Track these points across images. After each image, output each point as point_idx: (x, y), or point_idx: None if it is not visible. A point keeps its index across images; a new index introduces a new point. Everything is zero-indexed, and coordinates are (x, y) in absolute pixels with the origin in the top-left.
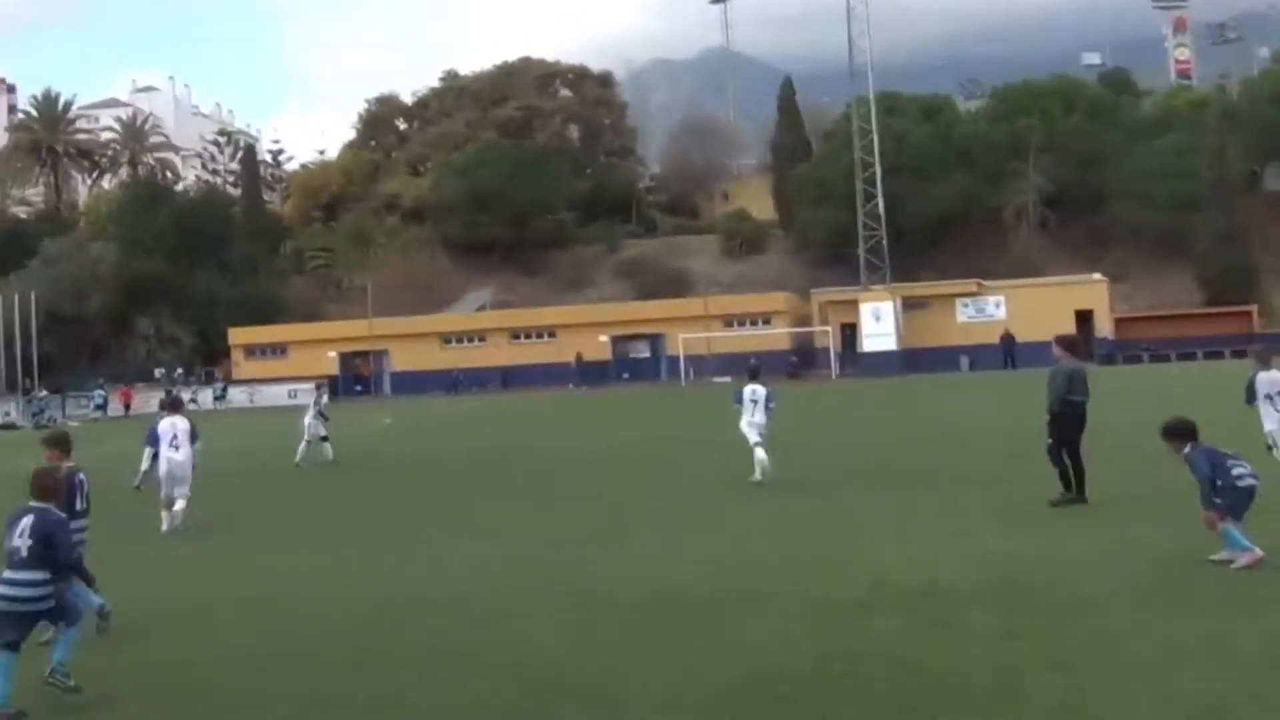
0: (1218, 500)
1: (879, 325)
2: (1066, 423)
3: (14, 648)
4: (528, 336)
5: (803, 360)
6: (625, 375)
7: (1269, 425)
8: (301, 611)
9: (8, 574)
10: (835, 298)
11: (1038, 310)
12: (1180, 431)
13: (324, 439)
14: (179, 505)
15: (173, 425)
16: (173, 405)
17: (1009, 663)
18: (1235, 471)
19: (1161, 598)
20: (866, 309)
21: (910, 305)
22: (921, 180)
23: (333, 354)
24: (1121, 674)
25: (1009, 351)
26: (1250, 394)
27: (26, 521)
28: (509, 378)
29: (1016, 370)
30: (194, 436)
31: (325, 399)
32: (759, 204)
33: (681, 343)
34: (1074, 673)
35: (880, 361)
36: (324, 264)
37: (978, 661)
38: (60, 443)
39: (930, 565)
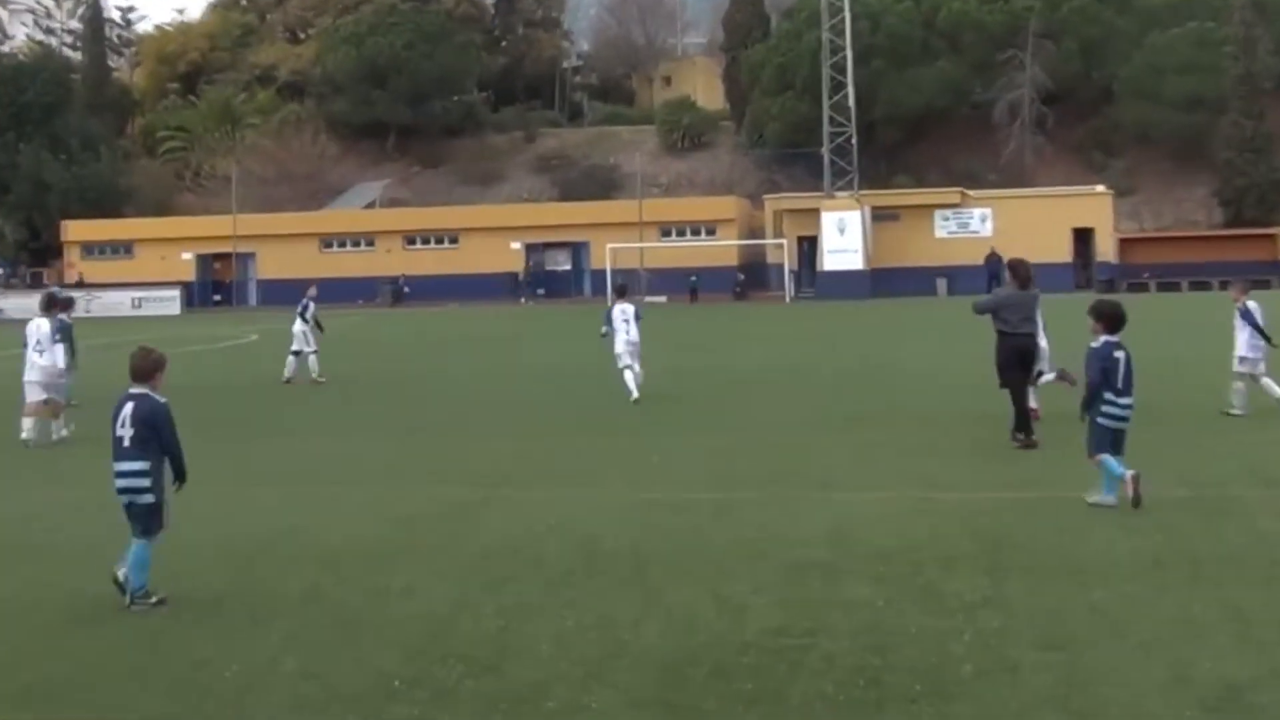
0: (1098, 421)
1: (843, 239)
2: (1009, 358)
3: (143, 535)
4: (426, 241)
5: (751, 279)
6: (539, 291)
7: (1247, 351)
8: (163, 555)
9: (114, 464)
10: (793, 205)
11: (1030, 226)
12: (1101, 313)
13: (312, 352)
14: (54, 422)
15: (37, 327)
16: (45, 305)
17: (995, 637)
18: (1108, 399)
19: (1168, 565)
20: (829, 219)
21: (881, 216)
22: (899, 68)
23: (188, 255)
24: (1125, 652)
25: (994, 274)
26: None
27: (128, 409)
28: (404, 289)
29: None
30: (61, 337)
31: (313, 307)
32: (706, 91)
33: (609, 254)
34: (1071, 649)
35: (843, 282)
36: (180, 146)
37: (958, 635)
38: None
39: (898, 520)
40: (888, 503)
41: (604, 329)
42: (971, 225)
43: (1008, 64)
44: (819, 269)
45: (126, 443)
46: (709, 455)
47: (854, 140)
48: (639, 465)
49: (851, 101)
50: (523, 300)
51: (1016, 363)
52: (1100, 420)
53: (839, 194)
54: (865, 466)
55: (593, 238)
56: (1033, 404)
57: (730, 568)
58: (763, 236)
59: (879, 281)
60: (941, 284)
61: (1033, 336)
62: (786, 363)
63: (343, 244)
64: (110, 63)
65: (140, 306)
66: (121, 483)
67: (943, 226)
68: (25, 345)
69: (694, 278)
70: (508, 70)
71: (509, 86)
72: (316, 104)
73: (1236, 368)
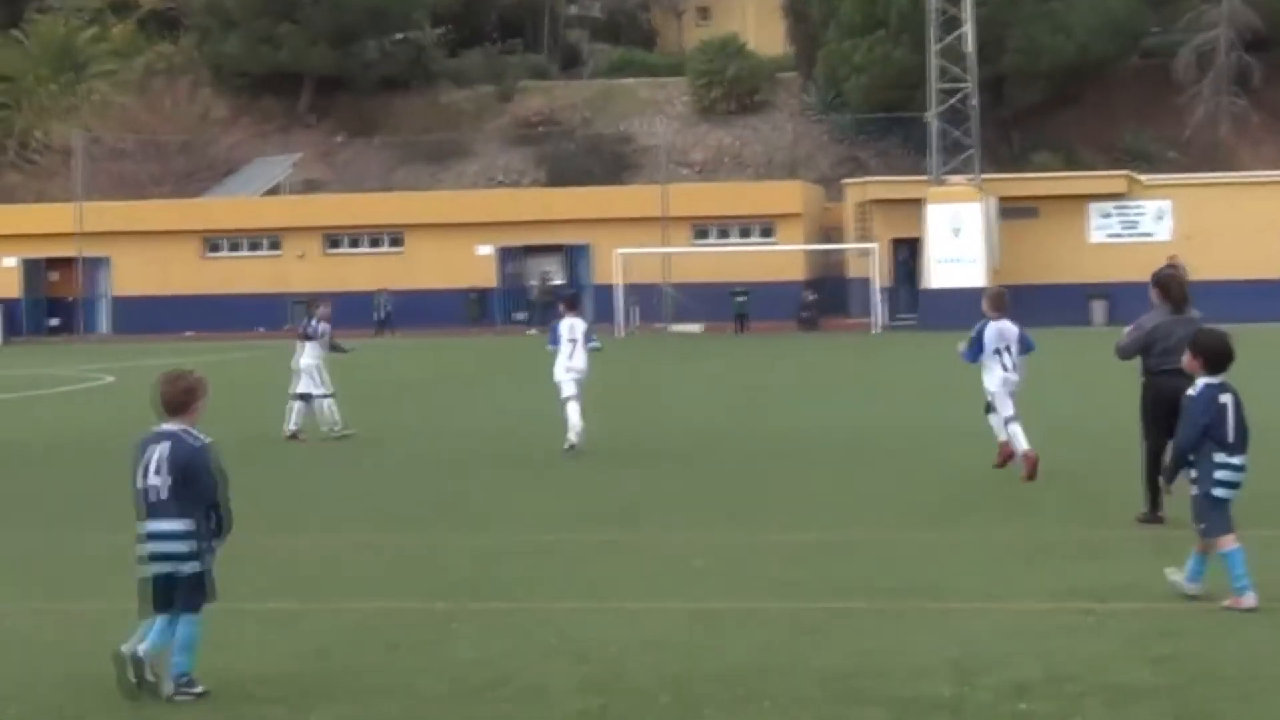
0: (1194, 487)
1: (958, 244)
2: (1160, 405)
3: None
4: (355, 243)
5: (826, 299)
6: (519, 316)
7: (991, 385)
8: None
9: (144, 524)
10: (885, 194)
11: (1226, 227)
12: (1199, 348)
13: (326, 396)
14: None
15: None
16: None
17: None
18: (1219, 461)
19: None
20: (938, 216)
21: (1013, 211)
22: (1039, 1)
23: (11, 261)
24: None
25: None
26: (977, 348)
27: (158, 452)
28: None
29: None
30: None
31: (325, 328)
32: (760, 29)
33: (619, 262)
34: None
35: (957, 305)
36: None
37: None
38: None
39: (1042, 641)
40: (1027, 618)
41: (550, 346)
42: (1142, 225)
43: None
44: (922, 286)
45: (163, 494)
46: (777, 556)
47: (974, 102)
48: (674, 570)
49: (971, 46)
50: (530, 329)
51: (1169, 412)
52: (1213, 491)
53: (952, 179)
54: (994, 569)
55: (595, 239)
56: (1024, 446)
57: (817, 709)
58: (841, 239)
59: (1008, 305)
60: (1098, 308)
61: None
62: (877, 424)
63: (235, 246)
64: None
65: None
66: (155, 547)
67: (1101, 226)
68: None
69: (742, 297)
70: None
71: (475, 21)
72: (197, 43)
73: None
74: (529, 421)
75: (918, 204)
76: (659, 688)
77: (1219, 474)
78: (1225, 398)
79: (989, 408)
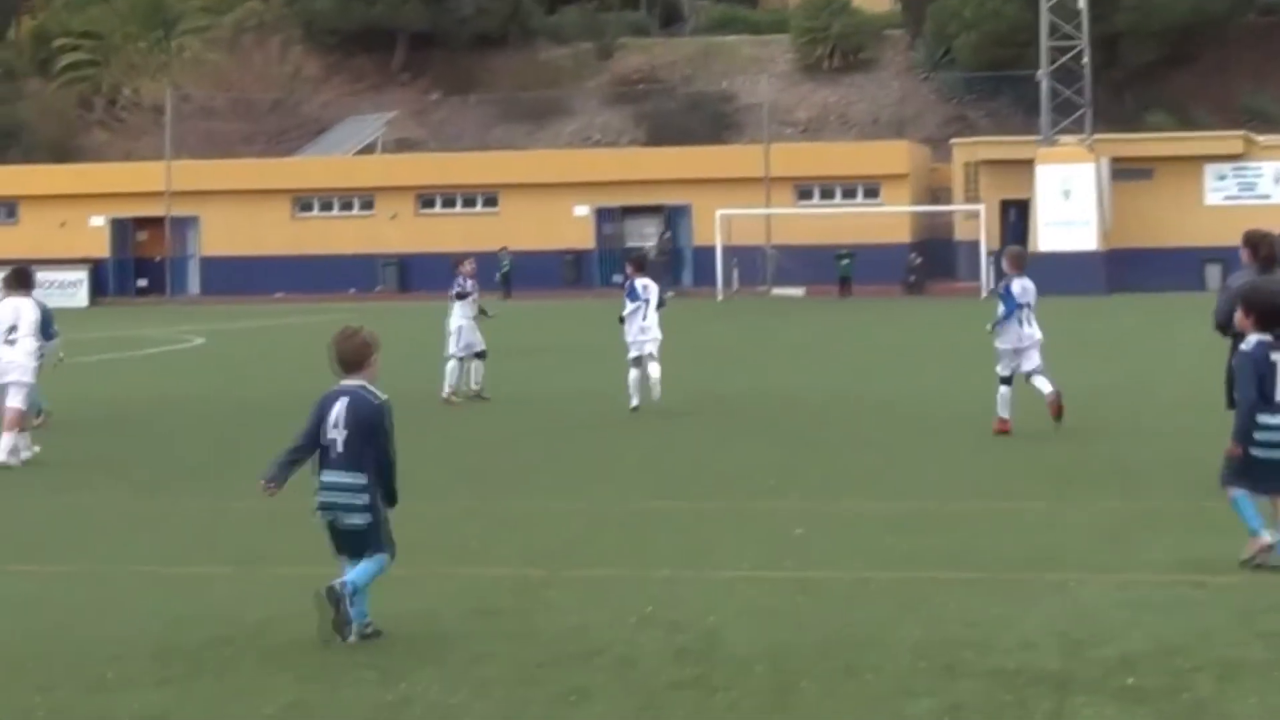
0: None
1: (1069, 206)
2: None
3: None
4: (449, 203)
5: (932, 262)
6: (617, 278)
7: (1004, 344)
8: (80, 657)
9: (320, 474)
10: (994, 154)
11: None
12: (1251, 304)
13: (479, 355)
14: (6, 435)
15: (15, 310)
16: (17, 280)
17: None
18: (1263, 421)
19: None
20: (1048, 177)
21: (1125, 173)
22: None
23: (99, 220)
24: None
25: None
26: (1010, 303)
27: (340, 407)
28: (411, 274)
29: None
30: (46, 329)
31: (474, 286)
32: None
33: (720, 224)
34: None
35: (1068, 269)
36: (88, 61)
37: None
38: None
39: (1154, 614)
40: (1138, 590)
41: (629, 306)
42: (1259, 187)
43: None
44: (1032, 249)
45: (339, 448)
46: (883, 526)
47: (1086, 60)
48: (775, 538)
49: (1084, 2)
50: (723, 292)
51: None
52: (1252, 450)
53: (1063, 139)
54: (1106, 540)
55: (696, 200)
56: (1002, 413)
57: (919, 681)
58: (948, 201)
59: (1120, 268)
60: (1213, 272)
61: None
62: (986, 391)
63: (327, 206)
64: None
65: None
66: (327, 497)
67: (1217, 189)
68: None
69: (845, 259)
70: None
71: None
72: (288, 0)
73: None
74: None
75: (1028, 165)
76: (755, 658)
77: (1260, 435)
78: (1277, 355)
79: (1005, 380)
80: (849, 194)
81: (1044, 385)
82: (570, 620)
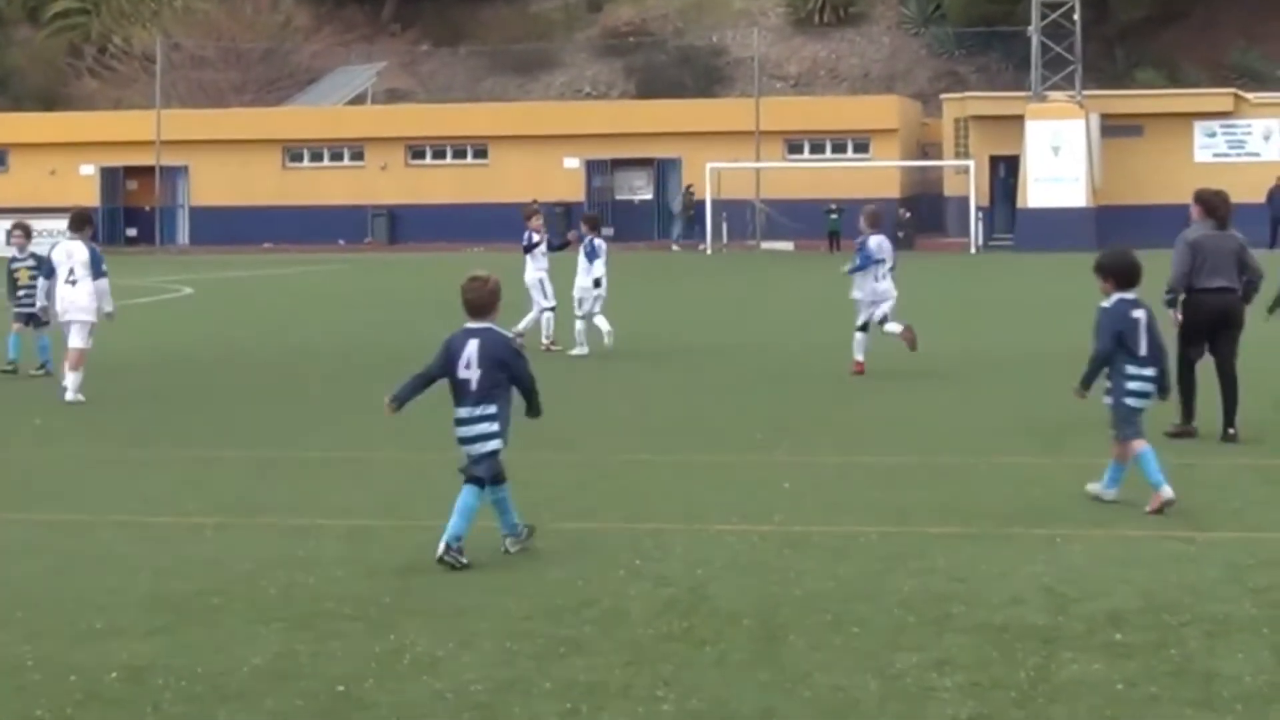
0: (1107, 397)
1: (1058, 162)
2: (1195, 320)
3: (478, 483)
4: (439, 155)
5: (921, 217)
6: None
7: (860, 294)
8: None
9: (457, 409)
10: (984, 110)
11: None
12: (1109, 268)
13: (549, 309)
14: (71, 374)
15: (69, 253)
16: (74, 223)
17: None
18: (1131, 372)
19: None
20: (1037, 133)
21: (1115, 130)
22: None
23: (89, 169)
24: None
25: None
26: (865, 258)
27: (472, 347)
28: (401, 225)
29: None
30: (95, 269)
31: (542, 238)
32: None
33: (710, 177)
34: None
35: (1056, 225)
36: (78, 9)
37: None
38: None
39: (1142, 569)
40: (1127, 546)
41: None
42: (1249, 144)
43: None
44: (1021, 205)
45: (474, 386)
46: (872, 479)
47: (1077, 16)
48: (763, 492)
49: None
50: (675, 245)
51: (1211, 329)
52: (1125, 400)
53: (1052, 95)
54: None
55: (686, 153)
56: (857, 356)
57: (906, 635)
58: (938, 156)
59: (1109, 225)
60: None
61: (1234, 292)
62: (977, 346)
63: (317, 156)
64: None
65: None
66: (465, 430)
67: (1206, 146)
68: (50, 275)
69: (834, 214)
70: None
71: None
72: None
73: None
74: (641, 337)
75: (1017, 121)
76: (743, 612)
77: (1131, 384)
78: (1138, 313)
79: (863, 328)
80: (839, 149)
81: (894, 327)
82: (558, 573)
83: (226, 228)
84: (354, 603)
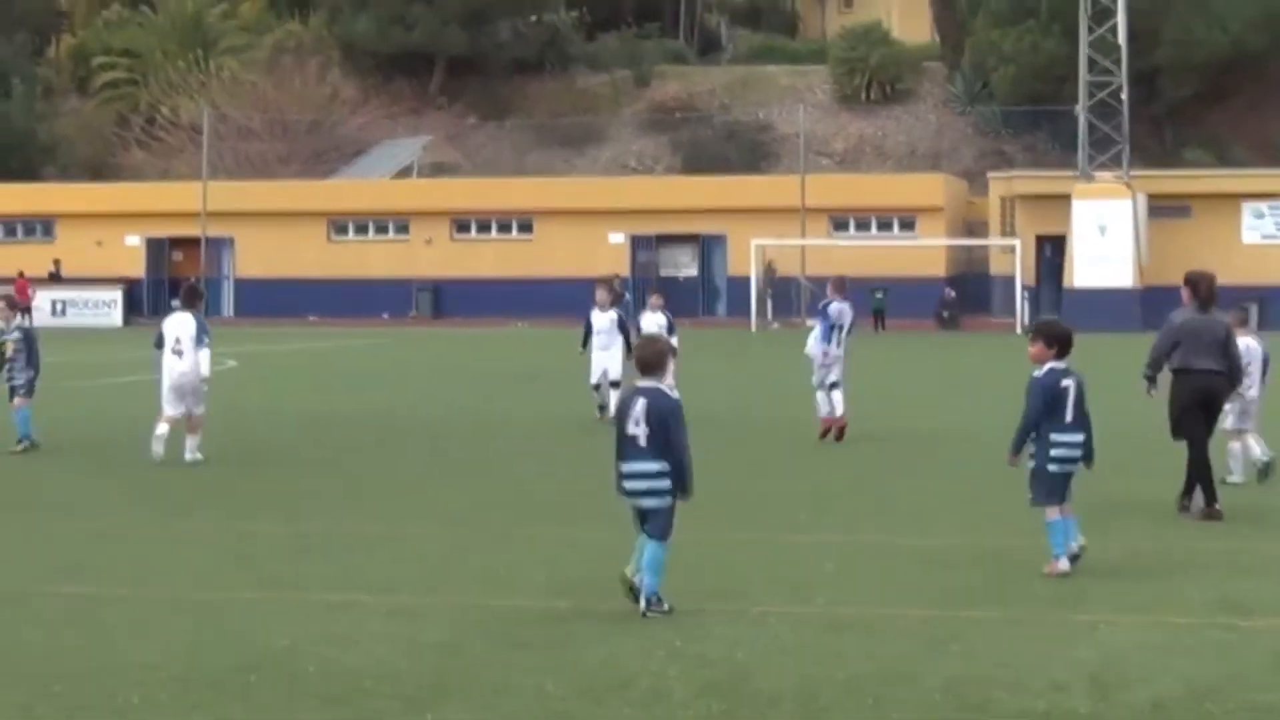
0: (1031, 462)
1: (1105, 242)
2: (1182, 400)
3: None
4: (484, 228)
5: (967, 297)
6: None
7: (813, 353)
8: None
9: (623, 464)
10: (1030, 189)
11: None
12: (1046, 335)
13: (612, 384)
14: (190, 439)
15: (179, 324)
16: (185, 297)
17: None
18: (1056, 439)
19: None
20: (1084, 212)
21: (1162, 210)
22: None
23: (134, 240)
24: None
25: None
26: (826, 323)
27: (640, 405)
28: (445, 298)
29: None
30: (199, 338)
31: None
32: (905, 16)
33: (755, 253)
34: None
35: (1103, 306)
36: (127, 80)
37: None
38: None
39: (1186, 655)
40: (1171, 632)
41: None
42: None
43: None
44: (1067, 285)
45: (642, 442)
46: (915, 560)
47: (1124, 96)
48: (805, 572)
49: (1123, 38)
50: (757, 323)
51: (1195, 408)
52: (1047, 466)
53: (1100, 174)
54: (1139, 579)
55: (731, 229)
56: (838, 411)
57: None
58: (984, 234)
59: (1156, 306)
60: (1250, 311)
61: (1219, 375)
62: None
63: (362, 229)
64: None
65: (63, 313)
66: (634, 484)
67: (1255, 227)
68: (159, 345)
69: (880, 293)
70: None
71: (612, 3)
72: (327, 22)
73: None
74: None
75: (1064, 200)
76: (784, 694)
77: (1055, 450)
78: (1068, 381)
79: (821, 385)
80: (884, 226)
81: (838, 404)
82: (598, 652)
83: (271, 300)
84: (392, 681)
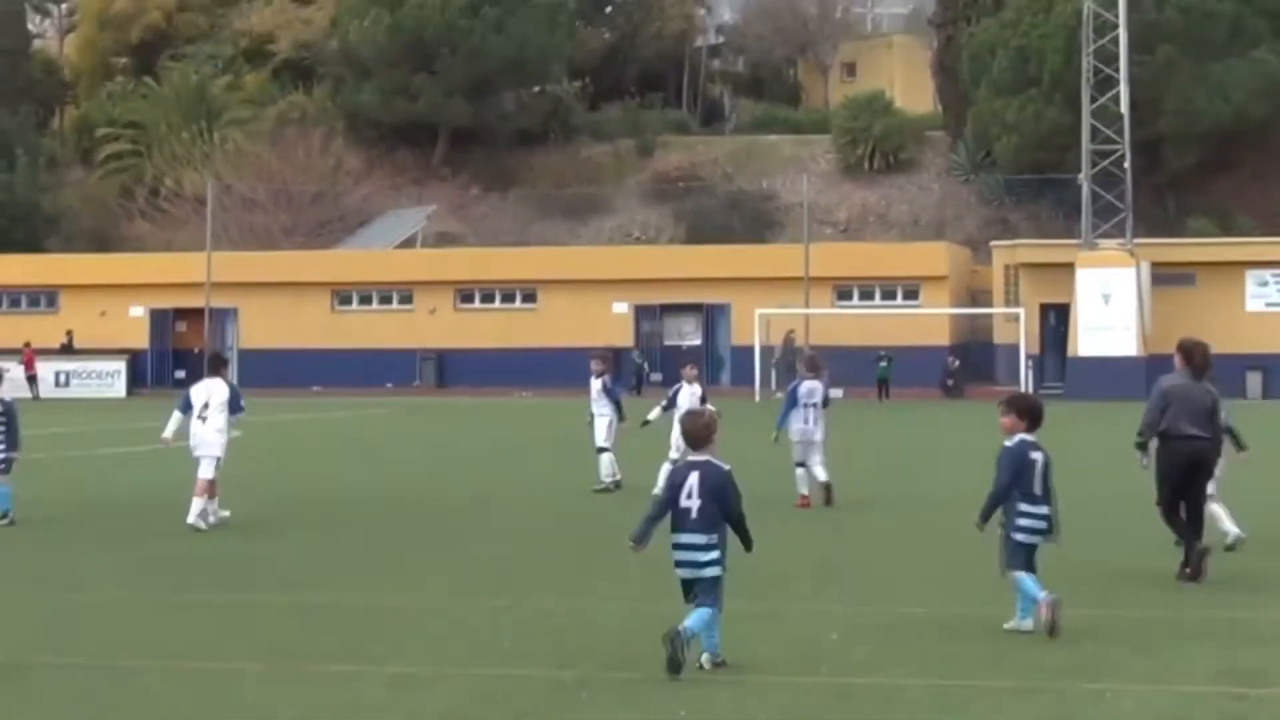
0: (1001, 529)
1: (1109, 311)
2: (1167, 466)
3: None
4: (488, 299)
5: (970, 365)
6: (653, 376)
7: (794, 435)
8: None
9: (677, 536)
10: (1034, 258)
11: None
12: (1019, 409)
13: (600, 450)
14: (196, 500)
15: (208, 390)
16: (213, 364)
17: None
18: (1023, 509)
19: None
20: (1088, 281)
21: (1166, 278)
22: (1197, 58)
23: (138, 311)
24: None
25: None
26: (790, 402)
27: (694, 479)
28: (449, 368)
29: None
30: (233, 405)
31: (602, 379)
32: (908, 86)
33: (759, 323)
34: None
35: (1107, 375)
36: (131, 151)
37: None
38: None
39: None
40: (1180, 701)
41: (661, 407)
42: None
43: None
44: (1071, 354)
45: (694, 515)
46: (921, 630)
47: (1128, 164)
48: (810, 642)
49: (1125, 107)
50: (761, 393)
51: (1182, 475)
52: (1014, 535)
53: (1104, 243)
54: (1148, 648)
55: (735, 298)
56: (803, 490)
57: None
58: (988, 303)
59: (1160, 374)
60: (1254, 380)
61: (1208, 440)
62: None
63: (366, 299)
64: (29, 25)
65: (66, 384)
66: (684, 555)
67: (1259, 295)
68: (185, 410)
69: (884, 362)
70: (615, 50)
71: (616, 74)
72: (330, 94)
73: None
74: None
75: (1068, 268)
76: None
77: (1021, 520)
78: (1036, 454)
79: (799, 464)
80: (888, 295)
81: (819, 473)
82: None
83: (275, 370)
84: None
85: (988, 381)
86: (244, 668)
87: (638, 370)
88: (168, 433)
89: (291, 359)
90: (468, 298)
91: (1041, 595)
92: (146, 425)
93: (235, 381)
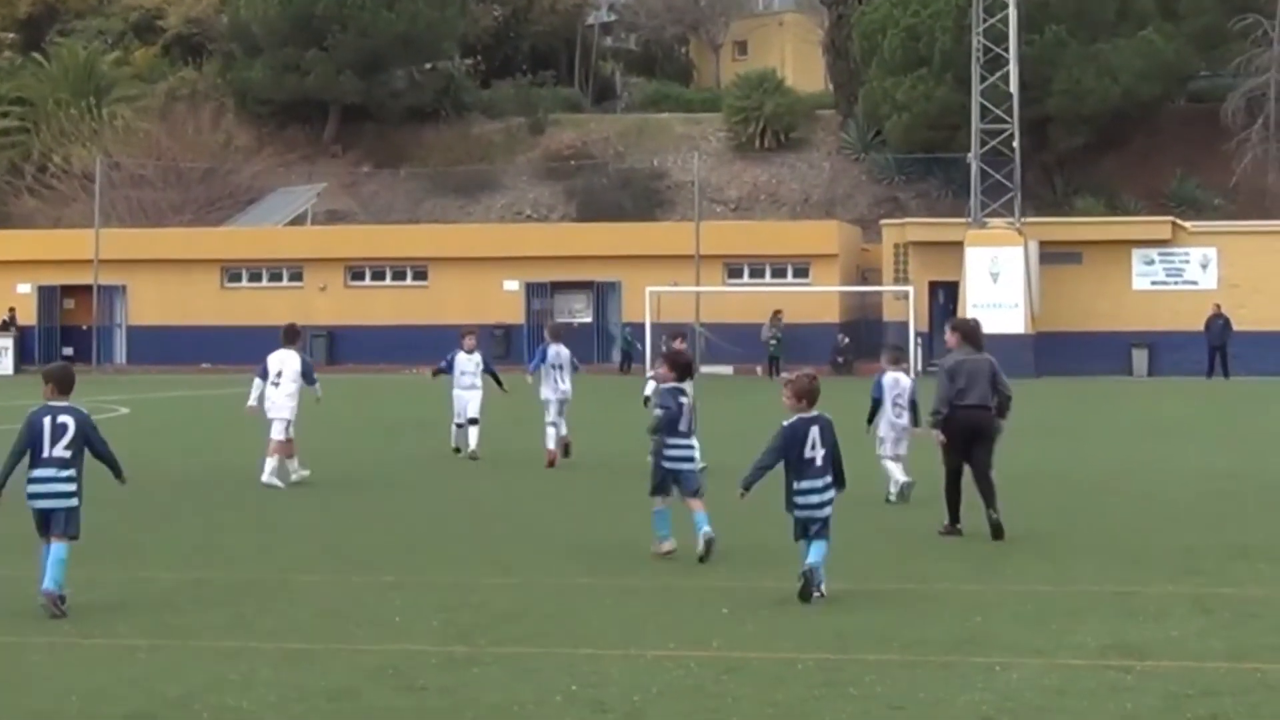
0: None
1: (997, 289)
2: (950, 435)
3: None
4: (379, 275)
5: (860, 343)
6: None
7: (881, 431)
8: None
9: (805, 482)
10: (924, 236)
11: (1272, 274)
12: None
13: (471, 421)
14: (270, 459)
15: (282, 360)
16: (287, 336)
17: None
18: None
19: None
20: (977, 259)
21: (1054, 257)
22: (1085, 39)
23: (25, 288)
24: None
25: (1218, 344)
26: (878, 391)
27: (815, 431)
28: (340, 346)
29: (1229, 378)
30: (306, 377)
31: (471, 355)
32: (799, 65)
33: (650, 300)
34: None
35: (996, 351)
36: (18, 127)
37: None
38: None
39: (1079, 700)
40: (1066, 674)
41: (532, 369)
42: (1187, 272)
43: (1245, 38)
44: None
45: (819, 463)
46: (811, 605)
47: (1016, 144)
48: (702, 616)
49: (1015, 87)
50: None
51: (965, 443)
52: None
53: (992, 222)
54: (1034, 622)
55: (626, 276)
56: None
57: None
58: (878, 281)
59: (1048, 352)
60: (1139, 357)
61: (987, 410)
62: (916, 471)
63: (256, 277)
64: None
65: None
66: (811, 499)
67: (1145, 273)
68: (263, 377)
69: (774, 339)
70: (506, 27)
71: (507, 51)
72: (221, 70)
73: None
74: (590, 454)
75: (957, 246)
76: None
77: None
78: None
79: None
80: (779, 273)
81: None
82: (494, 697)
83: (164, 347)
84: None
85: (878, 358)
86: (134, 643)
87: (626, 346)
88: (253, 400)
89: (181, 336)
90: (358, 275)
91: (669, 542)
92: (35, 403)
93: (119, 360)
